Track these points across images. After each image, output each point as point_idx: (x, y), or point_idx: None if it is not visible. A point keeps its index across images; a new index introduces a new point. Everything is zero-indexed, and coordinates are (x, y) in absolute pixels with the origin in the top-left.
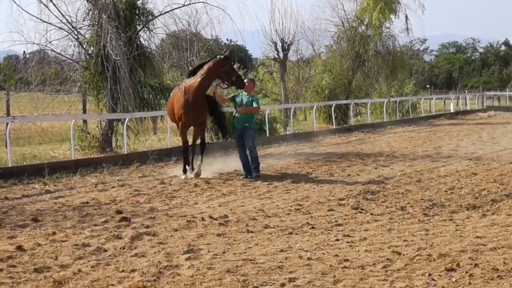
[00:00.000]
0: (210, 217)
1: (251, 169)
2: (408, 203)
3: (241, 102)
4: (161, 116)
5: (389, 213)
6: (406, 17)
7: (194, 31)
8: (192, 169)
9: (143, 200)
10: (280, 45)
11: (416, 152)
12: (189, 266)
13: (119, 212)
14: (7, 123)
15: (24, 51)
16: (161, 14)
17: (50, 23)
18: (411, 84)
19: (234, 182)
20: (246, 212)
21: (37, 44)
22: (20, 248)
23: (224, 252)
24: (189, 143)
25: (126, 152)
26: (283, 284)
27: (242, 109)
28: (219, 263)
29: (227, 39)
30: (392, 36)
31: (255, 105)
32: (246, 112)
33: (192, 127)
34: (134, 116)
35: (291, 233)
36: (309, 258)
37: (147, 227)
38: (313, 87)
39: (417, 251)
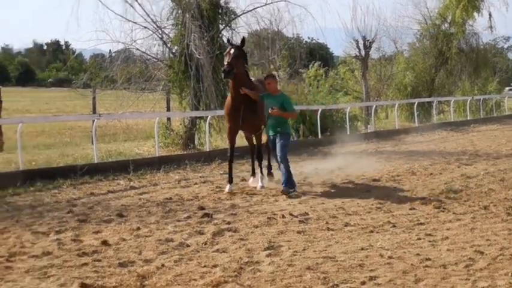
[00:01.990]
0: (290, 214)
1: (291, 183)
2: (491, 202)
3: (268, 104)
4: None
5: (472, 213)
6: (490, 15)
7: (276, 29)
8: (253, 174)
9: (224, 197)
10: (362, 42)
11: (500, 150)
12: (269, 263)
13: (201, 208)
14: (93, 121)
15: (109, 50)
16: (244, 13)
17: (135, 22)
18: (495, 82)
19: (313, 180)
20: (326, 209)
21: (122, 42)
22: (105, 242)
23: (304, 250)
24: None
25: (208, 149)
26: (363, 282)
27: (276, 111)
28: (299, 260)
29: (308, 37)
30: (475, 34)
31: (289, 109)
32: (279, 115)
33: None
34: (216, 114)
35: (371, 232)
36: (389, 257)
37: (229, 223)
38: (395, 84)
39: (500, 250)
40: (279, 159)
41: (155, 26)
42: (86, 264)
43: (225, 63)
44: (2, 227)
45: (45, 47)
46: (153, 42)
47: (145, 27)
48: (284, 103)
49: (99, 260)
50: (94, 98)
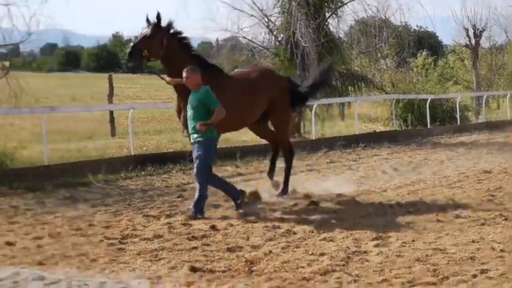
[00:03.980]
0: (399, 205)
1: (232, 193)
2: None
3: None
4: (348, 103)
5: None
6: None
7: (383, 17)
8: (271, 178)
9: (331, 185)
10: (472, 31)
11: None
12: (377, 253)
13: (308, 196)
14: None
15: (217, 38)
16: (350, 1)
17: (242, 11)
18: None
19: (423, 170)
20: (436, 201)
21: (229, 31)
22: (213, 227)
23: (413, 241)
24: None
25: (314, 138)
26: (474, 275)
27: (201, 125)
28: (408, 251)
29: (417, 26)
30: None
31: (211, 106)
32: (205, 127)
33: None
34: (322, 102)
35: (483, 224)
36: (502, 250)
37: (335, 212)
38: (507, 74)
39: None
40: (194, 177)
41: (262, 14)
42: (195, 248)
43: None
44: (114, 209)
45: None
46: (260, 30)
47: (252, 15)
48: (205, 100)
49: (208, 244)
50: None
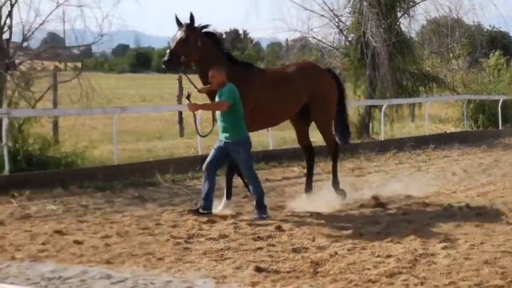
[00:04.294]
0: (468, 207)
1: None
2: None
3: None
4: (419, 103)
5: None
6: None
7: (456, 17)
8: (308, 190)
9: (399, 187)
10: None
11: None
12: (445, 255)
13: (375, 197)
14: None
15: (286, 39)
16: (423, 1)
17: (312, 11)
18: None
19: (493, 172)
20: (506, 203)
21: (299, 31)
22: (279, 228)
23: (482, 243)
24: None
25: (383, 139)
26: None
27: (193, 105)
28: (477, 253)
29: (490, 25)
30: None
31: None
32: (203, 109)
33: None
34: (392, 103)
35: None
36: None
37: (403, 213)
38: None
39: None
40: (245, 178)
41: (332, 14)
42: (260, 248)
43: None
44: (181, 209)
45: (224, 36)
46: (330, 30)
47: (322, 16)
48: (221, 96)
49: (273, 245)
50: None
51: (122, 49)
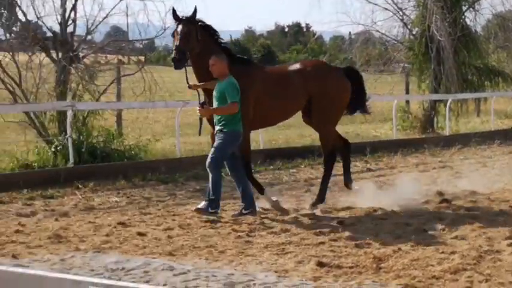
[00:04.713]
0: None
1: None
2: None
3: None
4: (484, 98)
5: None
6: None
7: None
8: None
9: (464, 183)
10: None
11: None
12: (510, 252)
13: (440, 193)
14: None
15: (349, 32)
16: None
17: (376, 4)
18: None
19: None
20: None
21: (362, 24)
22: (341, 223)
23: None
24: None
25: (447, 134)
26: None
27: (204, 110)
28: None
29: None
30: None
31: (228, 101)
32: (209, 114)
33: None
34: (457, 97)
35: None
36: None
37: (468, 210)
38: None
39: None
40: (206, 164)
41: (396, 8)
42: (322, 243)
43: (173, 47)
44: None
45: (286, 29)
46: (393, 24)
47: (385, 9)
48: (226, 92)
49: (335, 240)
50: None
51: None
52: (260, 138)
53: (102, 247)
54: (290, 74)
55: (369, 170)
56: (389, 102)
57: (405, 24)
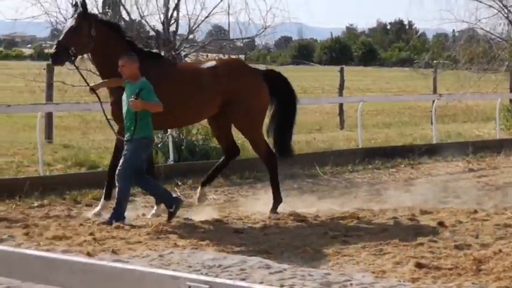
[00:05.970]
0: None
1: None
2: None
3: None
4: None
5: None
6: None
7: None
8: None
9: None
10: None
11: None
12: None
13: None
14: (433, 101)
15: (453, 30)
16: None
17: (480, 1)
18: None
19: None
20: None
21: (466, 22)
22: (441, 224)
23: None
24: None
25: None
26: None
27: (136, 102)
28: None
29: None
30: None
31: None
32: (141, 108)
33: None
34: None
35: None
36: None
37: None
38: None
39: None
40: (116, 175)
41: (501, 5)
42: (421, 244)
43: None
44: (340, 202)
45: (388, 27)
46: (498, 21)
47: (490, 6)
48: (142, 93)
49: (435, 241)
50: (435, 78)
51: (284, 41)
52: (359, 137)
53: (200, 244)
54: (202, 72)
55: (471, 170)
56: (493, 101)
57: (510, 22)
